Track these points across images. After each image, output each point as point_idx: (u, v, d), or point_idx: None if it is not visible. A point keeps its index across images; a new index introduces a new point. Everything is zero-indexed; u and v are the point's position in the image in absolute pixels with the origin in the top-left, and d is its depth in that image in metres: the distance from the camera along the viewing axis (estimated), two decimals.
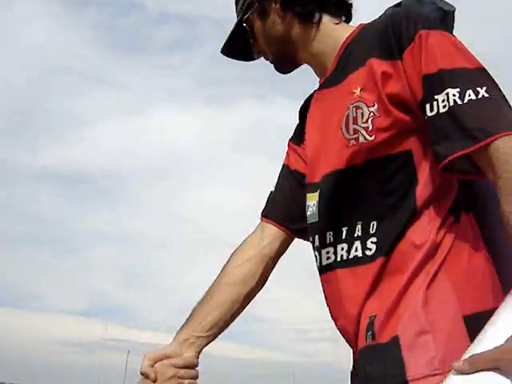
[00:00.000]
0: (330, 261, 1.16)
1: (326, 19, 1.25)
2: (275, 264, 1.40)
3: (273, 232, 1.37)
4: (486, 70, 1.01)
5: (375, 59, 1.09)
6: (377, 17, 1.23)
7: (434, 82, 1.00)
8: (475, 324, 0.90)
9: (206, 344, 1.32)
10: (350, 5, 1.29)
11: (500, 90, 1.00)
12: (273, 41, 1.28)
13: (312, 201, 1.21)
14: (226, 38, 1.36)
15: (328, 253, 1.16)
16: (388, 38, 1.08)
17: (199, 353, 1.31)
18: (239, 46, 1.36)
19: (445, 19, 1.18)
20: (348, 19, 1.29)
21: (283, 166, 1.43)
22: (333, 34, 1.24)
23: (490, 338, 0.81)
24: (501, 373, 0.78)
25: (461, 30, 1.17)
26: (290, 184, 1.38)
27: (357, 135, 1.09)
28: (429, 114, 1.01)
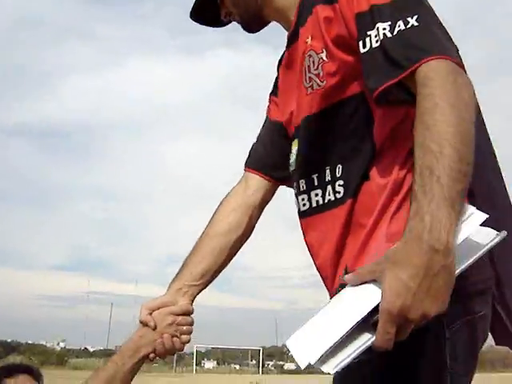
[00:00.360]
0: (306, 207, 1.22)
1: None
2: (261, 213, 1.46)
3: (257, 181, 1.42)
4: None
5: (320, 5, 1.12)
6: None
7: (366, 19, 1.02)
8: None
9: (199, 292, 1.39)
10: None
11: (434, 16, 1.01)
12: (237, 2, 1.32)
13: (294, 148, 1.26)
14: (193, 1, 1.41)
15: (303, 200, 1.22)
16: None
17: (193, 301, 1.38)
18: (208, 11, 1.40)
19: None
20: None
21: (265, 118, 1.48)
22: None
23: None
24: (376, 282, 0.88)
25: None
26: (271, 134, 1.43)
27: (311, 83, 1.14)
28: (362, 50, 1.02)
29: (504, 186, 1.15)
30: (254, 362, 55.35)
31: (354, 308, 0.89)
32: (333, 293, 1.13)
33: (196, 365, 48.41)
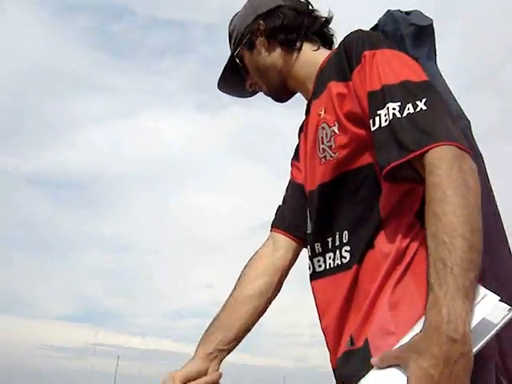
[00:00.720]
0: (321, 269, 1.24)
1: (307, 47, 1.36)
2: (287, 274, 1.46)
3: (284, 242, 1.44)
4: (427, 82, 1.08)
5: (333, 82, 1.19)
6: None
7: (377, 98, 1.07)
8: None
9: (225, 356, 1.38)
10: (332, 35, 1.41)
11: (441, 100, 1.06)
12: (262, 71, 1.39)
13: (308, 212, 1.32)
14: (221, 72, 1.48)
15: (319, 261, 1.25)
16: (342, 62, 1.17)
17: (219, 365, 1.37)
18: (235, 81, 1.47)
19: (421, 34, 1.24)
20: (330, 45, 1.41)
21: (289, 180, 1.52)
22: (312, 59, 1.34)
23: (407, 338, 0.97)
24: (400, 367, 0.92)
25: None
26: (296, 195, 1.45)
27: (325, 153, 1.20)
28: (372, 128, 1.07)
29: (509, 249, 1.18)
30: None
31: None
32: (336, 358, 1.17)
33: None
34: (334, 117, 1.17)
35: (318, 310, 1.27)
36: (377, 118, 1.07)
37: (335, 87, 1.18)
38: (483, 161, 1.21)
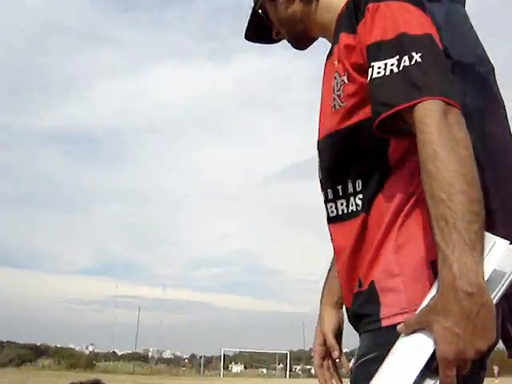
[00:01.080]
0: (334, 214, 1.27)
1: None
2: None
3: None
4: (428, 36, 1.08)
5: (343, 33, 1.22)
6: None
7: (375, 51, 1.10)
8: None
9: None
10: None
11: (438, 55, 1.07)
12: (283, 22, 1.44)
13: (318, 159, 1.35)
14: (246, 24, 1.55)
15: (331, 207, 1.28)
16: (351, 13, 1.21)
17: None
18: (261, 30, 1.53)
19: None
20: None
21: None
22: (332, 4, 1.35)
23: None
24: (426, 331, 0.96)
25: None
26: None
27: (334, 102, 1.23)
28: (368, 79, 1.11)
29: None
30: (281, 365, 55.38)
31: (414, 358, 0.97)
32: (348, 300, 1.24)
33: (223, 368, 48.53)
34: (344, 67, 1.20)
35: (334, 253, 1.32)
36: (371, 70, 1.09)
37: (344, 39, 1.21)
38: (505, 108, 1.22)
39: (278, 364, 55.94)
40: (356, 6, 1.19)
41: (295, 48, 1.50)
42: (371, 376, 1.03)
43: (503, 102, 1.23)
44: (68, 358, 45.97)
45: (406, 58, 1.05)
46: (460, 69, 1.14)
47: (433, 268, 1.05)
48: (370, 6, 1.14)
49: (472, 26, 1.26)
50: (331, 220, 1.29)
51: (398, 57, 1.06)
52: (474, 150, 1.01)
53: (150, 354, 68.30)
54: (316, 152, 1.35)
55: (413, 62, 1.04)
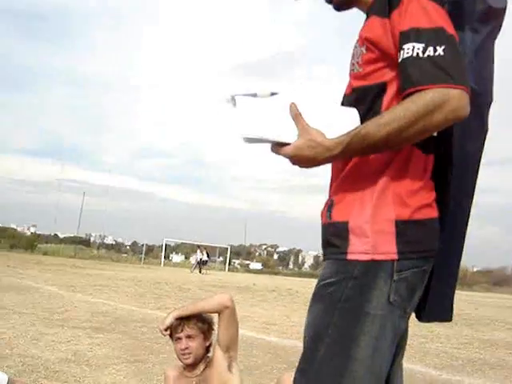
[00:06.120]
0: None
1: None
2: None
3: None
4: (448, 32, 1.36)
5: (374, 16, 1.49)
6: None
7: (407, 37, 1.37)
8: (402, 227, 1.40)
9: None
10: None
11: (456, 50, 1.35)
12: None
13: None
14: None
15: None
16: (385, 0, 1.45)
17: None
18: None
19: (489, 14, 1.51)
20: None
21: None
22: None
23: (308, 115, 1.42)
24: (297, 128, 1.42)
25: None
26: None
27: (353, 67, 1.54)
28: (400, 58, 1.39)
29: (469, 208, 1.58)
30: (221, 259, 57.02)
31: (289, 126, 1.41)
32: (321, 216, 1.58)
33: (164, 258, 49.61)
34: (363, 41, 1.49)
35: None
36: (402, 52, 1.37)
37: (372, 20, 1.49)
38: (486, 135, 1.57)
39: (218, 257, 57.58)
40: None
41: (335, 7, 1.68)
42: (326, 295, 1.43)
43: (487, 130, 1.57)
44: (9, 238, 45.94)
45: (431, 48, 1.33)
46: (470, 94, 1.35)
47: (396, 226, 1.40)
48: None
49: (493, 62, 1.57)
50: None
51: (424, 44, 1.34)
52: (451, 160, 1.48)
53: (92, 238, 68.96)
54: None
55: (437, 54, 1.32)
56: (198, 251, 35.81)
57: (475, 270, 65.84)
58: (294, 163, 1.43)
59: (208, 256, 36.44)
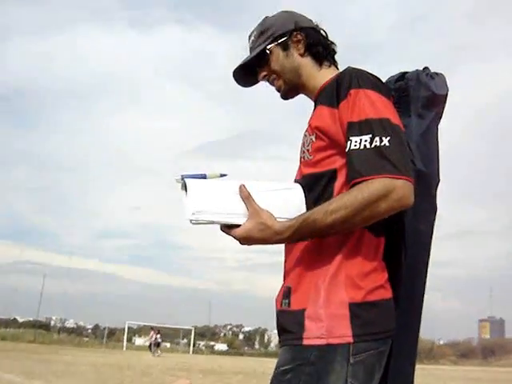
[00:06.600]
0: None
1: (325, 63, 1.72)
2: None
3: None
4: (393, 122, 1.44)
5: (322, 106, 1.57)
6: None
7: (354, 128, 1.45)
8: (356, 310, 1.41)
9: None
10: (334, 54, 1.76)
11: (401, 140, 1.43)
12: (287, 70, 1.71)
13: None
14: (243, 61, 1.75)
15: None
16: (333, 91, 1.53)
17: None
18: (244, 72, 1.77)
19: (434, 100, 1.63)
20: (335, 63, 1.75)
21: None
22: (323, 75, 1.68)
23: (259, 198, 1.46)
24: (246, 209, 1.47)
25: None
26: None
27: (304, 155, 1.59)
28: (347, 149, 1.45)
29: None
30: (185, 340, 55.52)
31: (239, 208, 1.44)
32: (276, 302, 1.59)
33: (127, 341, 48.06)
34: (312, 130, 1.56)
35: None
36: (351, 143, 1.44)
37: (320, 109, 1.57)
38: (436, 213, 1.65)
39: (182, 339, 56.11)
40: (338, 87, 1.51)
41: (282, 96, 1.76)
42: (283, 383, 1.42)
43: (436, 209, 1.64)
44: None
45: (377, 138, 1.40)
46: (417, 175, 1.47)
47: (350, 309, 1.42)
48: (353, 91, 1.47)
49: (438, 143, 1.65)
50: None
51: (371, 135, 1.41)
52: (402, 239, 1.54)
53: (52, 322, 66.52)
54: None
55: (382, 144, 1.40)
56: (152, 332, 35.21)
57: (441, 342, 65.34)
58: (242, 244, 1.48)
59: (160, 336, 35.54)
